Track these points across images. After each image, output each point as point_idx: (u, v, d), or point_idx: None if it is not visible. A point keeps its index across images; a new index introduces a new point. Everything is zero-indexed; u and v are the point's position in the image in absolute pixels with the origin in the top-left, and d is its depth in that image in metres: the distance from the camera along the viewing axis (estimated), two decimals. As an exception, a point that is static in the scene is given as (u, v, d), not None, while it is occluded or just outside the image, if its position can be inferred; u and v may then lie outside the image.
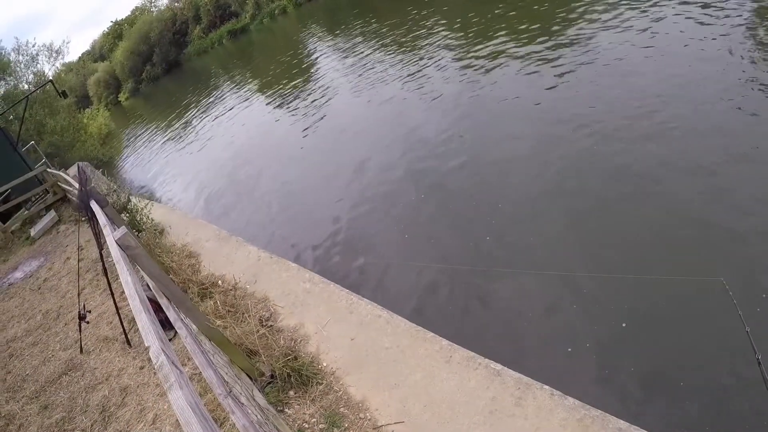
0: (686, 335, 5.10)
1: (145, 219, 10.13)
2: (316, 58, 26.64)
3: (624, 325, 5.41)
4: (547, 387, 4.39)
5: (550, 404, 4.22)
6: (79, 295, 7.63)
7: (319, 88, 20.30)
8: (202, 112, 28.68)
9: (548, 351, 5.51)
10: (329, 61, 24.25)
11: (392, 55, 19.43)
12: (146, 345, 2.22)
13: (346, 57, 22.94)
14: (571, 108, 9.59)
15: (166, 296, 3.70)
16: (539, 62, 12.29)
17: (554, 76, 11.22)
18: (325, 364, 5.28)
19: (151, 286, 4.31)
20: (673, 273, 5.61)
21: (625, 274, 5.82)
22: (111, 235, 3.57)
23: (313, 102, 18.86)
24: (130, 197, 11.01)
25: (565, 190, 7.69)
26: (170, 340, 6.25)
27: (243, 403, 3.02)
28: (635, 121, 8.35)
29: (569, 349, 5.43)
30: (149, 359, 6.01)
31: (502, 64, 13.38)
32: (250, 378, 4.85)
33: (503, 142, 9.71)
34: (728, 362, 4.72)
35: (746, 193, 6.31)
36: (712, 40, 9.70)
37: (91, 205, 5.28)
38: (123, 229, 3.47)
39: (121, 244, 3.37)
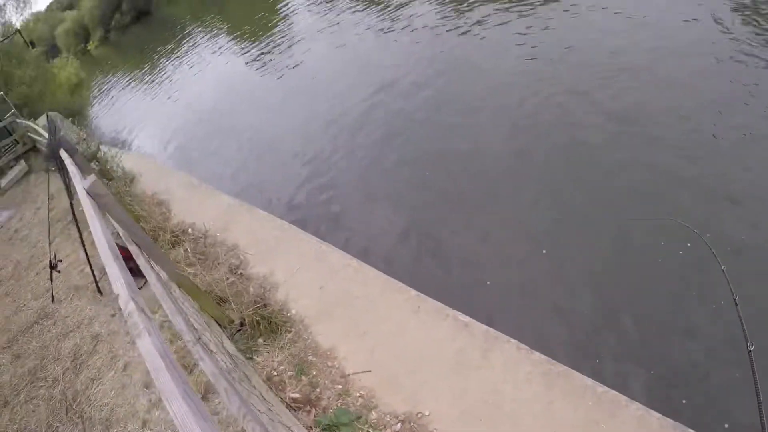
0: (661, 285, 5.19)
1: (115, 167, 10.02)
2: (292, 10, 25.99)
3: (588, 274, 5.50)
4: (513, 341, 4.49)
5: (517, 357, 4.34)
6: (50, 244, 7.58)
7: (293, 38, 19.71)
8: (172, 61, 27.86)
9: (517, 306, 5.58)
10: (306, 12, 23.66)
11: (370, 9, 18.94)
12: (115, 293, 2.24)
13: (324, 8, 22.35)
14: (544, 65, 9.51)
15: (136, 243, 3.71)
16: (517, 14, 12.04)
17: (529, 30, 11.06)
18: (294, 312, 5.34)
19: (121, 234, 4.31)
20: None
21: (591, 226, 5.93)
22: (80, 184, 3.55)
23: (286, 51, 18.38)
24: (100, 146, 10.85)
25: (527, 145, 7.72)
26: (140, 288, 6.28)
27: (213, 351, 3.08)
28: (601, 78, 8.37)
29: (538, 304, 5.51)
30: (120, 307, 6.03)
31: (479, 16, 13.12)
32: (220, 325, 4.91)
33: (474, 94, 9.63)
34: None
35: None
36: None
37: (61, 155, 5.21)
38: (92, 177, 3.46)
39: (91, 192, 3.36)
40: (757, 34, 7.96)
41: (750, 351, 1.60)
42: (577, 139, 7.33)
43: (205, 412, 1.59)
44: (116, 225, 4.04)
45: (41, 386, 5.32)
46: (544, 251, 5.98)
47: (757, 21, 8.28)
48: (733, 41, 7.94)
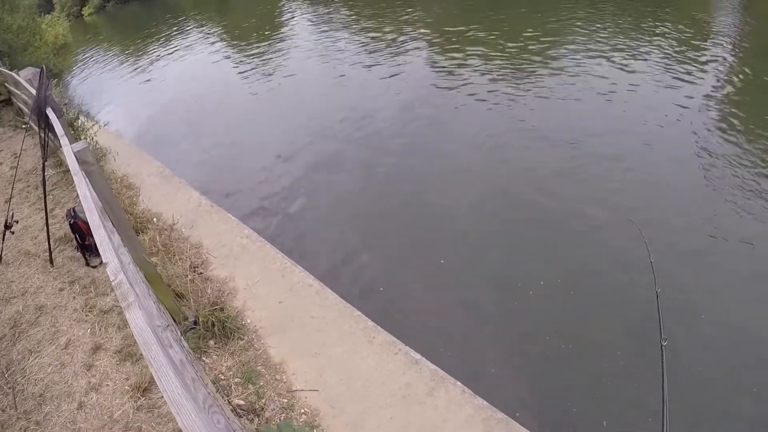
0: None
1: (90, 140, 9.82)
2: (292, 21, 26.10)
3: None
4: (459, 384, 4.56)
5: (460, 400, 4.39)
6: (9, 202, 7.37)
7: (287, 50, 19.89)
8: (164, 48, 27.41)
9: (468, 351, 5.64)
10: (303, 28, 23.78)
11: (367, 43, 19.03)
12: (104, 261, 2.20)
13: (321, 30, 22.49)
14: (520, 140, 9.72)
15: (111, 220, 3.64)
16: (505, 84, 12.33)
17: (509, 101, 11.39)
18: (249, 321, 5.30)
19: (85, 208, 4.23)
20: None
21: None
22: (69, 147, 3.48)
23: (276, 61, 18.58)
24: (79, 115, 10.62)
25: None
26: (94, 267, 6.15)
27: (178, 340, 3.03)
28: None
29: (488, 351, 5.58)
30: (70, 282, 5.89)
31: (467, 77, 13.38)
32: (174, 320, 4.83)
33: (444, 152, 9.81)
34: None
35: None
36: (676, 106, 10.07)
37: (48, 113, 5.10)
38: (83, 143, 3.41)
39: (80, 159, 3.30)
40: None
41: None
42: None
43: (192, 391, 1.58)
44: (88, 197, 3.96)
45: (-28, 348, 5.12)
46: (515, 303, 6.10)
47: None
48: None
